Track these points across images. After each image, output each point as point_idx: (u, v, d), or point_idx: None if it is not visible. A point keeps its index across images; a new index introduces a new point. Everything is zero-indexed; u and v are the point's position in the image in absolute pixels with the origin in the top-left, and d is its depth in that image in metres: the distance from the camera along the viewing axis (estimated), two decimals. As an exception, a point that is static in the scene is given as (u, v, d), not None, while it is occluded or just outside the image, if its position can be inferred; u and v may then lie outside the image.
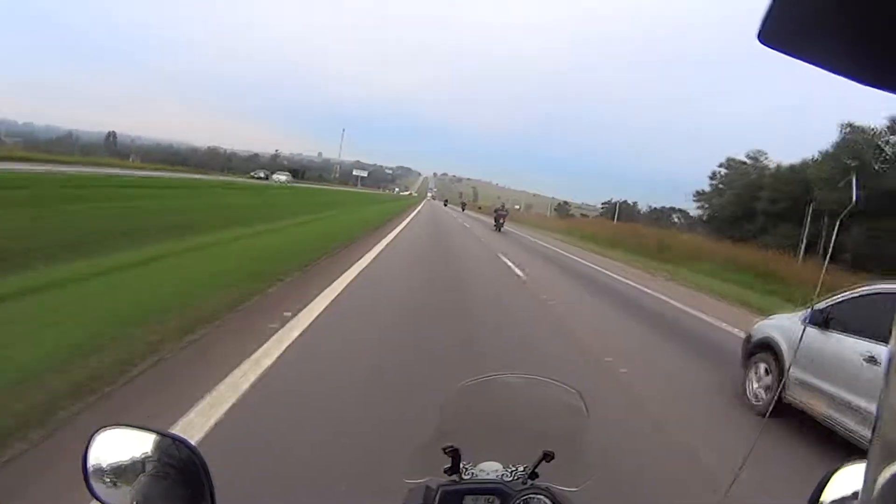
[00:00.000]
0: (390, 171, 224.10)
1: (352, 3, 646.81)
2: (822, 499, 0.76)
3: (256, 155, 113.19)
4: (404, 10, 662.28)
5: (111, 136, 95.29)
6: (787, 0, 0.27)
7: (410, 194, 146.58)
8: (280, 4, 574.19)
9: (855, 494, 0.71)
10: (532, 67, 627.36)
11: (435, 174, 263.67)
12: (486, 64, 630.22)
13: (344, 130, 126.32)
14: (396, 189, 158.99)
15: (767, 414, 3.65)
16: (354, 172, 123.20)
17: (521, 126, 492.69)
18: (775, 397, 3.69)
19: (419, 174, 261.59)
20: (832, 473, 0.77)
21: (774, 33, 0.29)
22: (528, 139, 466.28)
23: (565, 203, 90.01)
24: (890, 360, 0.26)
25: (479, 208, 44.34)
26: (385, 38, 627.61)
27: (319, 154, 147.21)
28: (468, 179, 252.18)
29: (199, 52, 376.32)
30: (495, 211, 24.49)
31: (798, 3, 0.28)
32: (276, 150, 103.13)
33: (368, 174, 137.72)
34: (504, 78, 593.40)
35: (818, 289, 1.33)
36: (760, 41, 0.29)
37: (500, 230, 22.88)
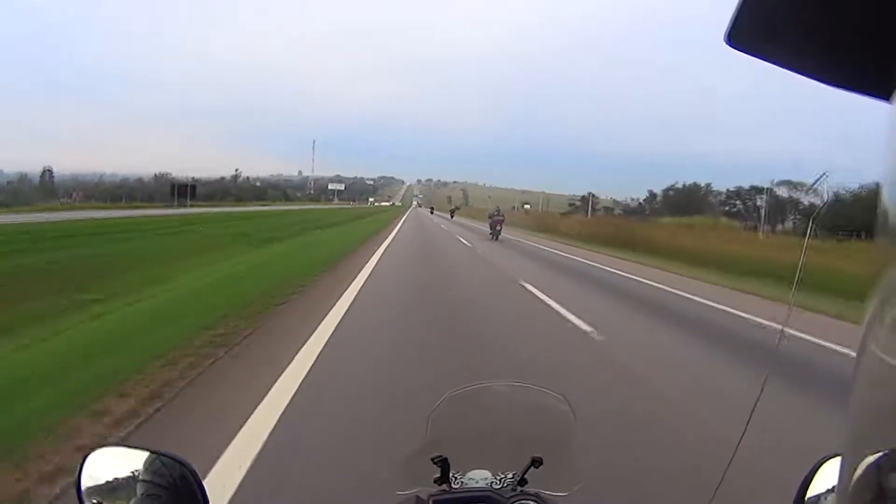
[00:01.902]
0: (371, 182, 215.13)
1: (319, 18, 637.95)
2: (809, 491, 0.75)
3: (223, 178, 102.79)
4: (373, 20, 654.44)
5: (47, 173, 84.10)
6: (754, 3, 0.28)
7: (393, 204, 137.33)
8: (243, 24, 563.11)
9: None
10: (512, 58, 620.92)
11: (419, 181, 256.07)
12: (463, 62, 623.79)
13: (315, 142, 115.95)
14: (371, 199, 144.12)
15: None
16: (330, 186, 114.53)
17: (507, 122, 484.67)
18: None
19: (403, 182, 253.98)
20: (819, 466, 0.76)
21: (742, 36, 0.29)
22: (516, 135, 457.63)
23: (591, 195, 69.68)
24: (859, 354, 0.26)
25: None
26: (357, 50, 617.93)
27: (299, 172, 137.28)
28: (454, 183, 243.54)
29: (170, 79, 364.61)
30: (490, 216, 21.59)
31: (766, 6, 0.28)
32: (237, 171, 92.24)
33: (346, 187, 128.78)
34: (484, 73, 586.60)
35: (794, 286, 0.67)
36: (728, 43, 0.29)
37: (496, 238, 20.02)
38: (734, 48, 0.29)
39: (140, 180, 76.77)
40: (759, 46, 0.29)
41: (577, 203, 72.65)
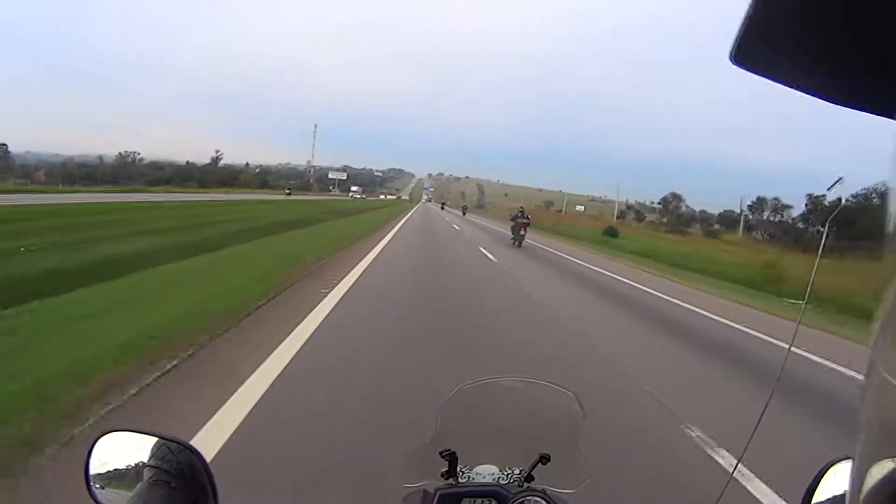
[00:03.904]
0: (380, 174, 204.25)
1: (335, 9, 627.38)
2: (815, 495, 0.76)
3: (210, 162, 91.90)
4: (389, 12, 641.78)
5: (1, 149, 73.98)
6: (759, 22, 0.28)
7: (399, 198, 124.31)
8: (254, 15, 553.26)
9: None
10: (529, 55, 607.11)
11: (430, 175, 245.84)
12: (479, 57, 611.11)
13: (316, 126, 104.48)
14: (354, 190, 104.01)
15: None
16: (330, 175, 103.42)
17: (523, 119, 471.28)
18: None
19: (413, 175, 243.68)
20: (826, 470, 0.77)
21: (747, 54, 0.29)
22: (531, 133, 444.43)
23: (677, 197, 49.61)
24: (869, 366, 0.26)
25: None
26: (373, 42, 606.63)
27: (308, 162, 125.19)
28: (467, 178, 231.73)
29: (192, 67, 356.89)
30: (512, 218, 18.40)
31: (770, 25, 0.28)
32: (218, 152, 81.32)
33: (349, 177, 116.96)
34: (500, 69, 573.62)
35: (808, 290, 0.76)
36: (732, 62, 0.30)
37: (520, 245, 17.16)
38: (739, 67, 0.30)
39: (101, 159, 66.27)
40: (764, 65, 0.30)
41: (655, 206, 55.76)
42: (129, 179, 59.75)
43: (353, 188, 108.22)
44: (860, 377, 1.07)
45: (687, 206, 47.28)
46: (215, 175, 70.33)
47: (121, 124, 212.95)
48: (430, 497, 0.80)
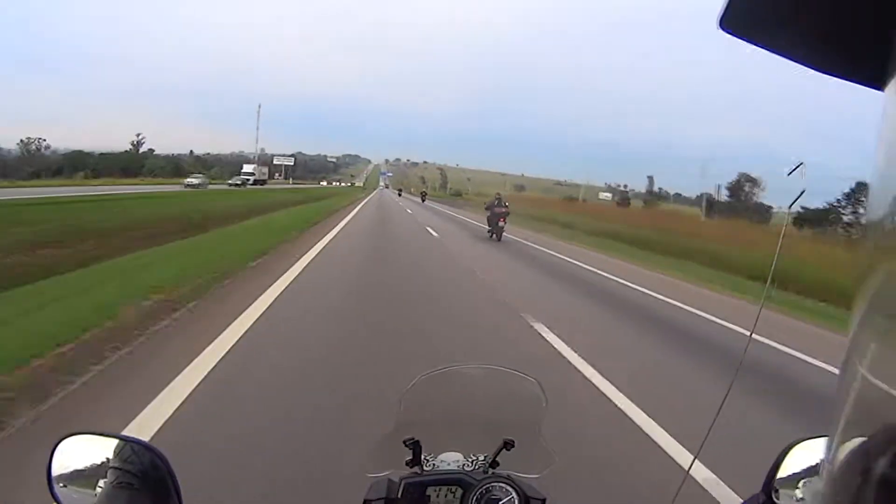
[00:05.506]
0: (334, 160, 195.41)
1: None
2: (778, 475, 0.78)
3: (139, 150, 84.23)
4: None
5: None
6: None
7: (352, 185, 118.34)
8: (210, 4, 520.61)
9: (809, 470, 0.76)
10: (488, 40, 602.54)
11: (387, 160, 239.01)
12: (437, 41, 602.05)
13: (260, 106, 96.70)
14: (243, 174, 61.60)
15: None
16: (276, 162, 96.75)
17: (482, 104, 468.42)
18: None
19: (369, 161, 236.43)
20: (787, 450, 0.79)
21: (736, 20, 0.29)
22: (491, 117, 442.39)
23: (751, 181, 36.24)
24: (850, 346, 0.27)
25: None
26: (327, 28, 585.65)
27: (262, 150, 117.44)
28: (425, 163, 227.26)
29: (142, 58, 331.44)
30: (488, 208, 16.81)
31: None
32: (139, 136, 73.96)
33: (296, 163, 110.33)
34: (458, 54, 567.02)
35: (770, 275, 1.37)
36: (721, 28, 0.29)
37: (499, 237, 15.69)
38: (727, 33, 0.29)
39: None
40: (752, 32, 0.29)
41: (623, 189, 51.12)
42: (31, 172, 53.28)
43: (246, 167, 66.67)
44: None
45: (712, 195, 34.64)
46: (115, 162, 63.13)
47: (66, 114, 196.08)
48: (395, 486, 0.80)
